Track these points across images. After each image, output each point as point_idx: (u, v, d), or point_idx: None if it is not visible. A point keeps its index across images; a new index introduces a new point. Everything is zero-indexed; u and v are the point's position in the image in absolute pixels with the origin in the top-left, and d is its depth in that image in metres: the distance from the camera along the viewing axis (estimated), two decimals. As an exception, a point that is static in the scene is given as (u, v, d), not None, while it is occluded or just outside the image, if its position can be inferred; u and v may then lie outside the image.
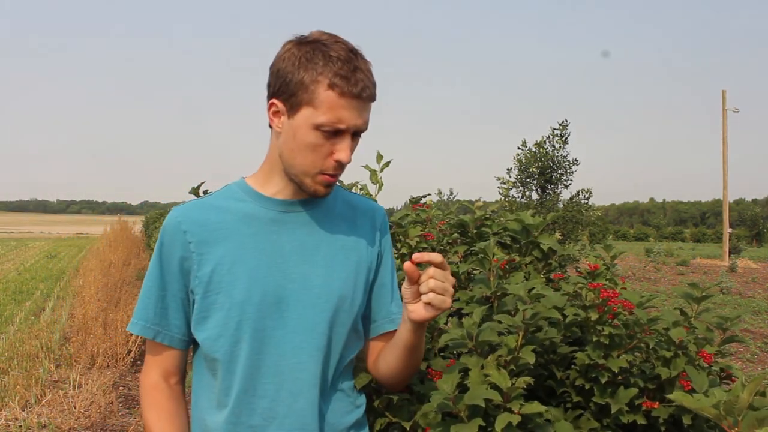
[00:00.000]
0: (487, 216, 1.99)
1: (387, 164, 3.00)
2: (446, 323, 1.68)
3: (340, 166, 1.15)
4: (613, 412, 1.36)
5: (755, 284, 15.89)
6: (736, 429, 0.97)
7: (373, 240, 1.30)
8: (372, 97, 1.14)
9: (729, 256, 25.61)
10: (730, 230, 27.45)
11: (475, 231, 1.95)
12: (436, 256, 1.11)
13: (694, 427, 1.37)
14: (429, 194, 2.77)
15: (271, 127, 1.20)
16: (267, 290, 1.16)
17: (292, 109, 1.13)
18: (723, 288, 13.72)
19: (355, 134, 1.16)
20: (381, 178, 2.98)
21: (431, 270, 1.12)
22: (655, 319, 1.40)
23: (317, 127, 1.11)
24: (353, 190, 3.54)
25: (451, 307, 1.91)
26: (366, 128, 1.16)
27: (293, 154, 1.15)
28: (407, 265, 1.11)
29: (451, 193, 29.03)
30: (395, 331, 1.28)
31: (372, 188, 3.03)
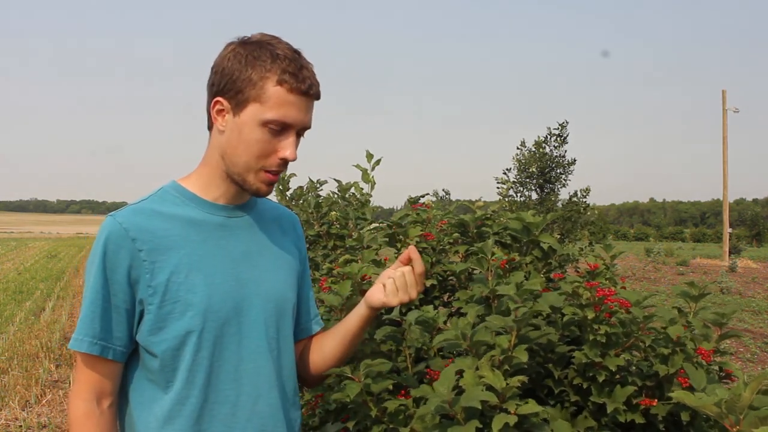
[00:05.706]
0: (488, 216, 1.99)
1: (378, 162, 3.00)
2: (446, 323, 1.68)
3: (285, 163, 1.16)
4: (609, 411, 1.36)
5: (755, 284, 15.87)
6: (738, 427, 0.97)
7: (300, 245, 1.35)
8: (317, 96, 1.15)
9: (729, 256, 25.58)
10: (730, 230, 27.43)
11: (475, 231, 1.95)
12: (420, 265, 1.23)
13: (693, 425, 1.37)
14: (428, 194, 2.78)
15: (209, 129, 1.19)
16: (225, 297, 1.16)
17: (238, 106, 1.12)
18: (723, 288, 13.72)
19: (300, 132, 1.16)
20: (373, 176, 2.98)
21: (407, 267, 1.23)
22: (650, 317, 1.41)
23: (264, 124, 1.11)
24: (352, 191, 3.53)
25: (451, 307, 1.92)
26: (310, 127, 1.17)
27: (237, 152, 1.14)
28: (412, 247, 1.23)
29: (446, 193, 28.92)
30: (318, 333, 1.36)
31: (365, 187, 3.03)
